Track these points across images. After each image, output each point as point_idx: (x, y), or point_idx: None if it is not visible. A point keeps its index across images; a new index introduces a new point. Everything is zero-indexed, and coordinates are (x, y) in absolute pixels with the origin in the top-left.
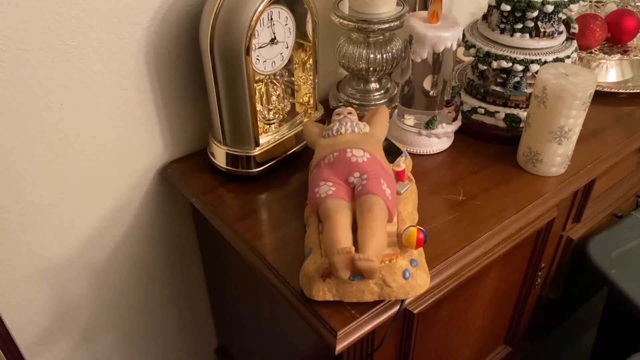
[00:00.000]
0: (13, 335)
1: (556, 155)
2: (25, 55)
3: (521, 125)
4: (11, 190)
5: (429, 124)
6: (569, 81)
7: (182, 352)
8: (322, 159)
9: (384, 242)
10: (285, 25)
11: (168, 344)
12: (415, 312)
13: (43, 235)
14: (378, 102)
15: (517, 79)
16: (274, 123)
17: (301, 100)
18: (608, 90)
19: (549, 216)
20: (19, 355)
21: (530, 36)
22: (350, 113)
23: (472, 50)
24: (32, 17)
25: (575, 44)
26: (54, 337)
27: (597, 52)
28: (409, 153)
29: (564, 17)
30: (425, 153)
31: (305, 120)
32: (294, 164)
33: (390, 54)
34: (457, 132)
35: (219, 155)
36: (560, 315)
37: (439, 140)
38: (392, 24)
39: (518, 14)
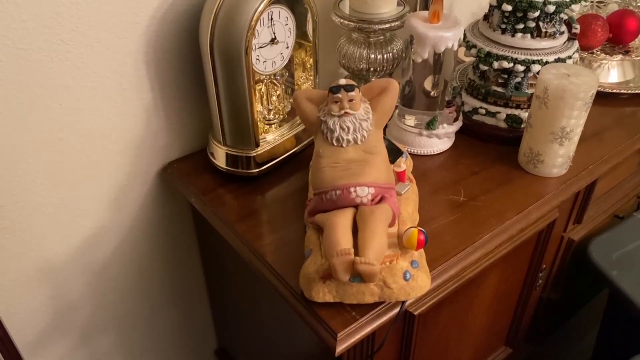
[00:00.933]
0: (11, 336)
1: (557, 156)
2: (25, 54)
3: (522, 126)
4: (10, 190)
5: (430, 125)
6: (570, 82)
7: (182, 353)
8: (323, 192)
9: (385, 245)
10: (286, 25)
11: (168, 344)
12: (415, 313)
13: (42, 235)
14: None
15: (518, 79)
16: (274, 123)
17: None
18: (609, 90)
19: (550, 217)
20: (17, 356)
21: (532, 36)
22: (351, 101)
23: (473, 51)
24: (31, 16)
25: (576, 44)
26: (52, 337)
27: (598, 53)
28: (410, 153)
29: (565, 17)
30: (426, 154)
31: (295, 89)
32: (294, 164)
33: (390, 54)
34: (458, 133)
35: (219, 156)
36: (562, 317)
37: (439, 140)
38: (392, 24)
39: (519, 14)
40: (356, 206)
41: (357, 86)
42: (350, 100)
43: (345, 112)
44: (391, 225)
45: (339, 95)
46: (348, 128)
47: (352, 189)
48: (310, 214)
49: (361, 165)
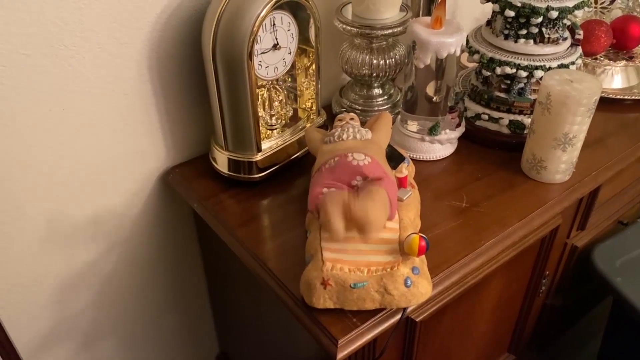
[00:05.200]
0: (12, 340)
1: (560, 162)
2: (27, 59)
3: (525, 132)
4: (12, 194)
5: (432, 130)
6: (573, 88)
7: (184, 358)
8: (323, 164)
9: (384, 211)
10: (288, 30)
11: (169, 349)
12: (417, 320)
13: (44, 239)
14: (381, 108)
15: (521, 85)
16: (276, 128)
17: (304, 106)
18: (613, 96)
19: (553, 224)
20: None
21: (535, 42)
22: (352, 119)
23: (476, 56)
24: (34, 21)
25: (580, 50)
26: (54, 342)
27: (602, 59)
28: (412, 159)
29: (568, 23)
30: (428, 159)
31: (308, 125)
32: (296, 170)
33: (393, 60)
34: (461, 139)
35: (221, 161)
36: (565, 323)
37: (442, 146)
38: (395, 30)
39: (522, 20)
40: (357, 192)
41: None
42: (352, 119)
43: (346, 122)
44: (390, 218)
45: (342, 115)
46: (348, 129)
47: (349, 154)
48: (311, 196)
49: (358, 147)
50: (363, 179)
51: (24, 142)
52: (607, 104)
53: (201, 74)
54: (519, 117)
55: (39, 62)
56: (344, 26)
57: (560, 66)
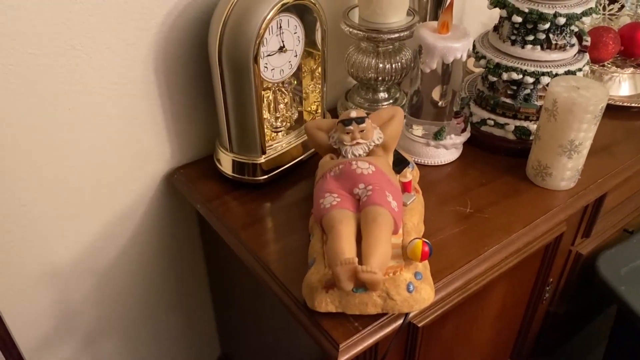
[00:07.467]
0: (15, 339)
1: (566, 169)
2: (34, 59)
3: (531, 138)
4: (17, 193)
5: (438, 135)
6: (580, 94)
7: (185, 359)
8: (327, 170)
9: (388, 253)
10: (295, 33)
11: (171, 350)
12: (419, 325)
13: (48, 239)
14: None
15: (527, 91)
16: (281, 131)
17: (309, 109)
18: (620, 104)
19: (558, 231)
20: (19, 359)
21: (542, 48)
22: (362, 131)
23: (483, 62)
24: (41, 21)
25: (587, 56)
26: (56, 341)
27: (609, 65)
28: (417, 164)
29: (576, 29)
30: (433, 164)
31: (309, 121)
32: (300, 172)
33: (399, 64)
34: (466, 144)
35: (226, 162)
36: (569, 331)
37: (447, 151)
38: (402, 34)
39: (529, 26)
40: (358, 202)
41: (367, 116)
42: (361, 131)
43: (357, 142)
44: (395, 232)
45: (351, 127)
46: (359, 152)
47: (353, 162)
48: (316, 210)
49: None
50: (365, 187)
51: (30, 141)
52: (614, 111)
53: (207, 76)
54: (524, 123)
55: (46, 61)
56: (351, 30)
57: (567, 73)
